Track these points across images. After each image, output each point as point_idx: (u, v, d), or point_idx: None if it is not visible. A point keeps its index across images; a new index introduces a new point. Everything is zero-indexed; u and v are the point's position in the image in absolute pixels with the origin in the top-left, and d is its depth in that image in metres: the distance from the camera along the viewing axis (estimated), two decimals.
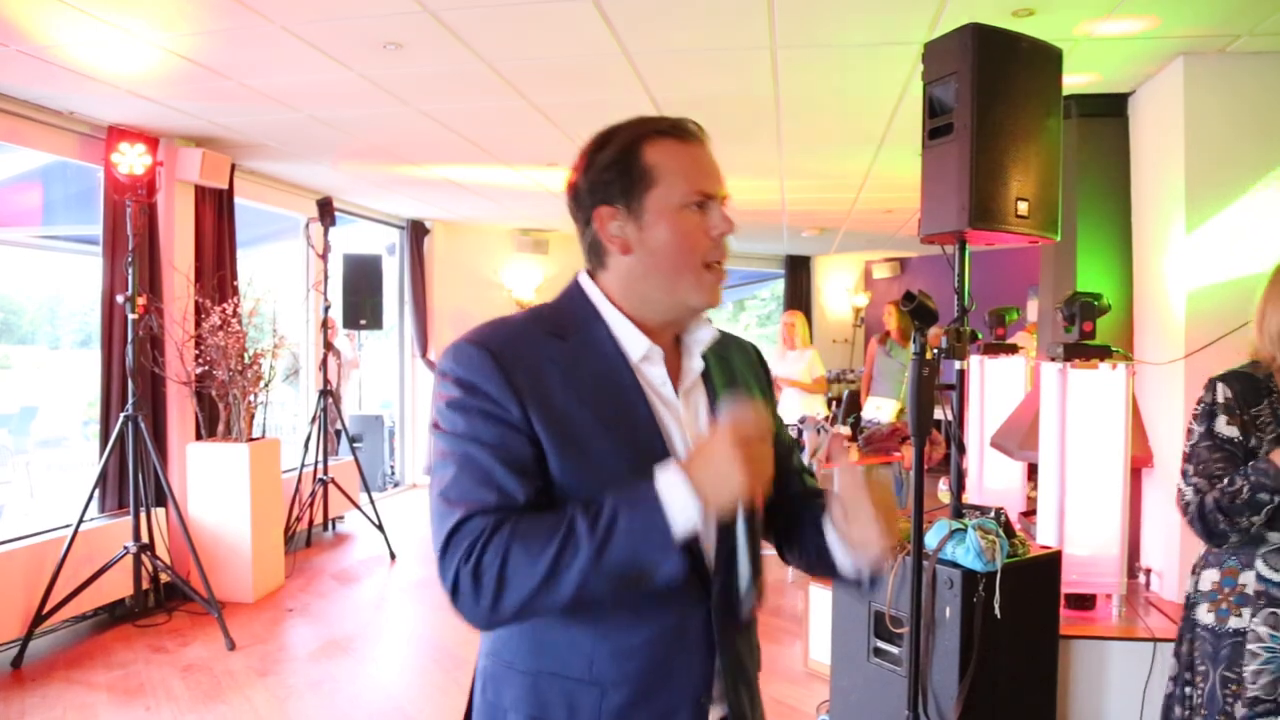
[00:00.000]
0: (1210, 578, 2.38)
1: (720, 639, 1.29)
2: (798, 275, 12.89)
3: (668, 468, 1.13)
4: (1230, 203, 3.83)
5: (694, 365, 1.37)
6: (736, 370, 1.44)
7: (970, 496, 4.36)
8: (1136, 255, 4.38)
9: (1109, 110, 4.44)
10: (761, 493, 1.13)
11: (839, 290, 12.98)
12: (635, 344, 1.29)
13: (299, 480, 6.62)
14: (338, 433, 7.69)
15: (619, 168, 1.29)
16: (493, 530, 1.13)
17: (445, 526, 1.15)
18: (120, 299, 4.90)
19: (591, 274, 1.36)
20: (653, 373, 1.30)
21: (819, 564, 1.44)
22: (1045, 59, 2.83)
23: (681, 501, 1.10)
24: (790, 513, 1.47)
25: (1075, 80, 4.18)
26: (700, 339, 1.37)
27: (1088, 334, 3.59)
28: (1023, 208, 2.77)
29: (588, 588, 1.10)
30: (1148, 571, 4.11)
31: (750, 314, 15.05)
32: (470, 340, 1.23)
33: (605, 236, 1.31)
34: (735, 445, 1.11)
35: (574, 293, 1.35)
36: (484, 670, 1.32)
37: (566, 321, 1.30)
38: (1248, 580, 2.29)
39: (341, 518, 7.57)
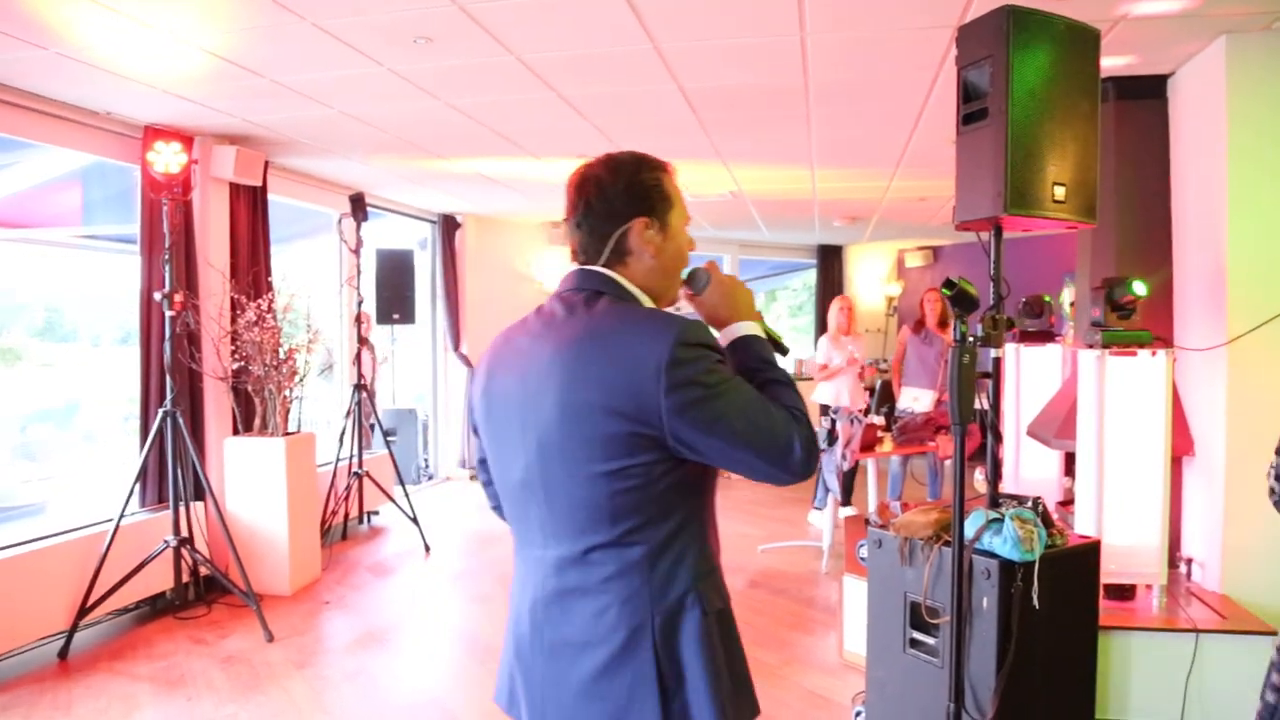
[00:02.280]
0: None
1: None
2: (829, 265, 12.81)
3: (744, 324, 1.68)
4: (1274, 185, 3.75)
5: None
6: None
7: (1007, 486, 4.32)
8: (1176, 240, 4.31)
9: (1148, 92, 4.36)
10: None
11: (871, 279, 12.88)
12: None
13: (334, 474, 6.69)
14: (372, 426, 7.75)
15: (656, 190, 1.66)
16: (791, 408, 1.56)
17: (792, 424, 1.52)
18: (158, 296, 4.96)
19: (607, 267, 1.65)
20: None
21: None
22: (1082, 41, 2.77)
23: (760, 331, 1.70)
24: None
25: (1113, 62, 4.10)
26: None
27: (1120, 316, 3.55)
28: (1059, 193, 2.72)
29: None
30: (1189, 561, 4.05)
31: (782, 304, 14.98)
32: (691, 320, 1.55)
33: (639, 240, 1.64)
34: (727, 279, 1.72)
35: (615, 284, 1.63)
36: (696, 594, 1.55)
37: None
38: None
39: (376, 511, 7.64)
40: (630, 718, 1.52)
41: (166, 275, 4.93)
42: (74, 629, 4.54)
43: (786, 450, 1.48)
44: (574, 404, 1.49)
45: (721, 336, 1.65)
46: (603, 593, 1.53)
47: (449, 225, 9.50)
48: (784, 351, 1.74)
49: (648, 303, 1.65)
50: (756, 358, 1.64)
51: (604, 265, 1.65)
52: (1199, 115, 4.07)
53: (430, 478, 9.73)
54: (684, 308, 1.73)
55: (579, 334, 1.53)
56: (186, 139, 5.12)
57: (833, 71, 4.39)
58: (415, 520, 6.83)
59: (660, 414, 1.44)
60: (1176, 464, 4.09)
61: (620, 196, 1.64)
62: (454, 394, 9.76)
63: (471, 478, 9.71)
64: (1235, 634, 3.47)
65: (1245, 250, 3.77)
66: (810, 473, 1.52)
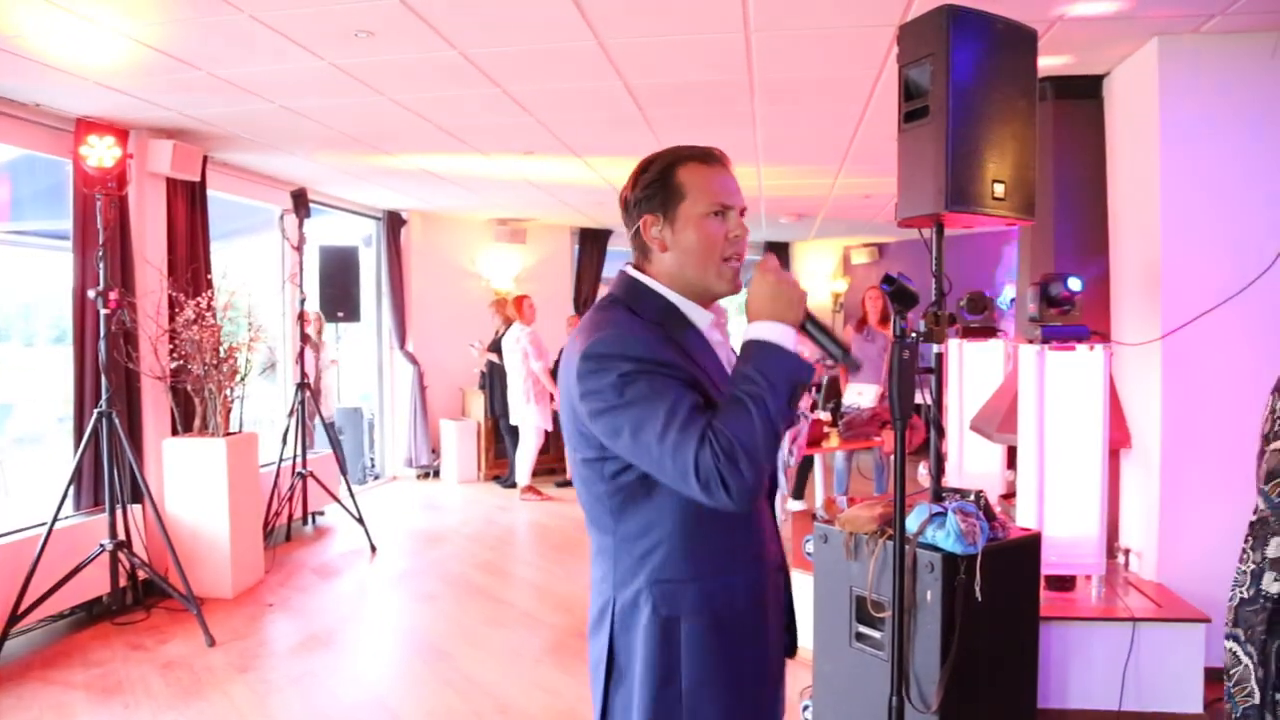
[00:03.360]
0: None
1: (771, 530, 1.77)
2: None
3: (760, 325, 1.56)
4: (1205, 183, 3.85)
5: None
6: None
7: (950, 480, 4.38)
8: (1112, 237, 4.40)
9: (1084, 92, 4.45)
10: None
11: (818, 276, 13.00)
12: (700, 317, 1.71)
13: (277, 474, 6.57)
14: (329, 426, 7.63)
15: (658, 184, 1.67)
16: (714, 434, 1.43)
17: (690, 451, 1.43)
18: (92, 294, 4.82)
19: (638, 267, 1.72)
20: (713, 335, 1.73)
21: None
22: (1020, 40, 2.82)
23: (783, 334, 1.55)
24: None
25: (1050, 62, 4.18)
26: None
27: (1057, 314, 3.62)
28: (999, 190, 2.76)
29: (782, 418, 1.48)
30: (1126, 552, 4.14)
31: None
32: (622, 332, 1.56)
33: (648, 238, 1.68)
34: (781, 278, 1.59)
35: (633, 285, 1.70)
36: (648, 594, 1.61)
37: (650, 311, 1.65)
38: None
39: (321, 512, 7.52)
40: (594, 682, 1.71)
41: (101, 272, 4.79)
42: (3, 637, 4.39)
43: (683, 476, 1.44)
44: (562, 404, 1.67)
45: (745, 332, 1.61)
46: (596, 564, 1.72)
47: (394, 222, 9.39)
48: (843, 352, 1.64)
49: (677, 299, 1.68)
50: (748, 364, 1.52)
51: (637, 264, 1.73)
52: (1133, 114, 4.16)
53: (376, 477, 9.61)
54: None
55: (576, 338, 1.62)
56: (121, 132, 4.98)
57: (777, 69, 4.42)
58: (361, 521, 6.74)
59: (584, 417, 1.56)
60: (1114, 457, 4.18)
61: (633, 196, 1.70)
62: (400, 392, 9.65)
63: (418, 477, 9.61)
64: (1170, 622, 3.55)
65: (1177, 247, 3.86)
66: (722, 502, 1.42)
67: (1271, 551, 2.32)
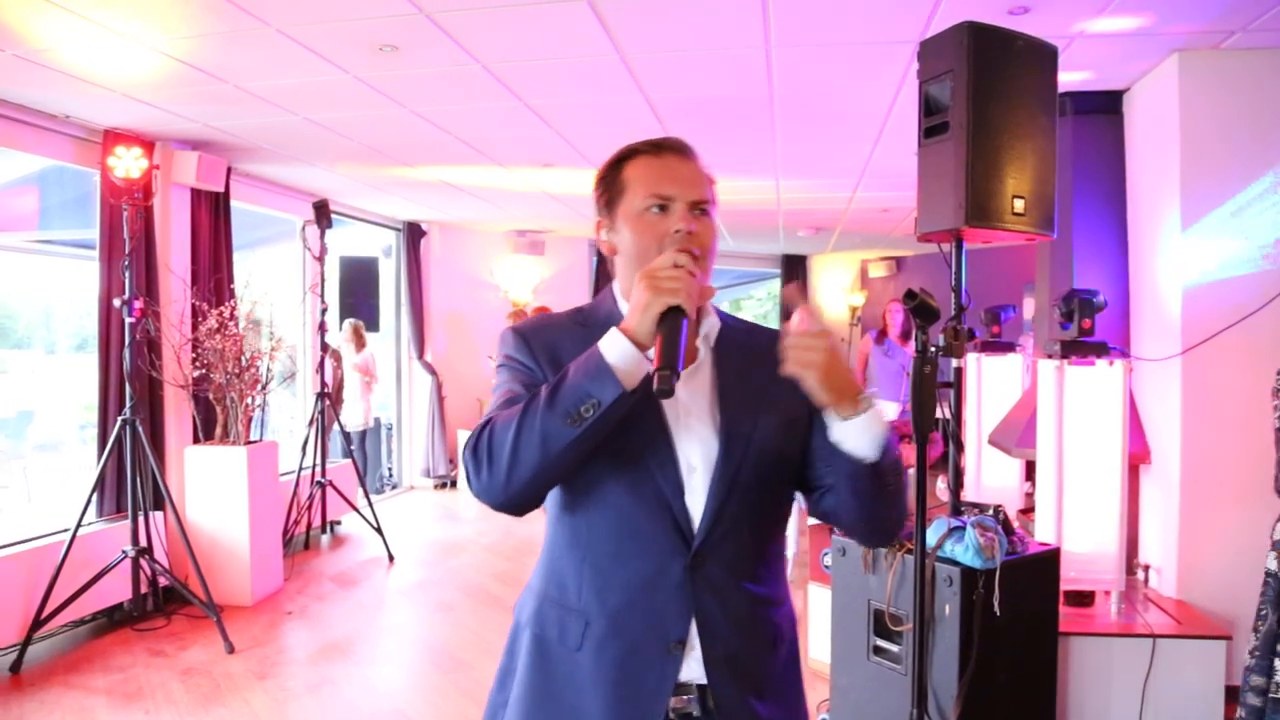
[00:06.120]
0: None
1: (697, 598, 1.40)
2: (794, 274, 12.89)
3: (610, 332, 1.31)
4: (1225, 199, 3.84)
5: (700, 352, 1.50)
6: (765, 354, 1.41)
7: (968, 494, 4.37)
8: (1132, 252, 4.39)
9: (1104, 107, 4.45)
10: (689, 301, 1.28)
11: (835, 289, 12.98)
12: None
13: (297, 483, 6.61)
14: (346, 436, 7.68)
15: (605, 184, 1.50)
16: (487, 425, 1.35)
17: (471, 437, 1.37)
18: (117, 303, 4.89)
19: (612, 273, 1.57)
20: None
21: (843, 490, 1.49)
22: (1040, 57, 2.83)
23: (609, 340, 1.30)
24: (811, 462, 1.53)
25: (1070, 78, 4.18)
26: (708, 329, 1.51)
27: (1085, 331, 3.60)
28: (1019, 205, 2.77)
29: (551, 433, 1.28)
30: (1146, 568, 4.12)
31: (746, 313, 15.08)
32: (510, 328, 1.55)
33: (600, 242, 1.53)
34: (640, 280, 1.30)
35: (606, 289, 1.56)
36: (520, 597, 1.60)
37: (593, 312, 1.54)
38: None
39: (339, 521, 7.56)
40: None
41: (126, 281, 4.86)
42: (28, 641, 4.44)
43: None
44: None
45: None
46: None
47: (414, 233, 9.45)
48: (667, 370, 1.25)
49: (626, 309, 1.40)
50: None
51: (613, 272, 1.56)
52: (1152, 129, 4.16)
53: (394, 487, 9.65)
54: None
55: None
56: (148, 144, 5.06)
57: (798, 84, 4.44)
58: (379, 530, 6.78)
59: None
60: (1134, 472, 4.16)
61: (594, 201, 1.53)
62: (419, 402, 9.69)
63: (436, 487, 9.64)
64: (1190, 639, 3.53)
65: (1198, 261, 3.85)
66: (479, 495, 1.36)
67: (1277, 534, 2.72)
